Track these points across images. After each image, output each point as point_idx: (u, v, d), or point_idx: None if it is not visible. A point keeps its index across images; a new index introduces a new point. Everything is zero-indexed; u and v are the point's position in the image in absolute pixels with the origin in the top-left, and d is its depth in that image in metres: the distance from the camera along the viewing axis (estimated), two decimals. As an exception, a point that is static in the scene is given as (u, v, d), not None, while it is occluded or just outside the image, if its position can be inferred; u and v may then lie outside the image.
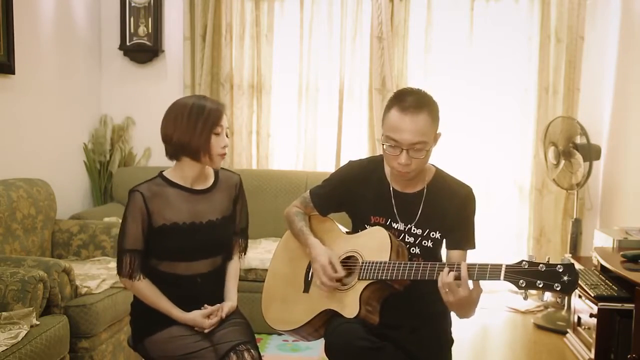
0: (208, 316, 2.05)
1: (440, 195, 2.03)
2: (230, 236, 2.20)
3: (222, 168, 2.17)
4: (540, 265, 1.68)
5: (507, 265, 1.72)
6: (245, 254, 2.27)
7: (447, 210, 2.01)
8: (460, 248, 2.02)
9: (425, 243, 2.03)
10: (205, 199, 2.10)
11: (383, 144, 1.93)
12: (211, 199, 2.11)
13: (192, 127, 1.98)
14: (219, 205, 2.13)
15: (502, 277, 1.71)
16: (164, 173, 2.10)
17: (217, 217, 2.11)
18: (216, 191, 2.13)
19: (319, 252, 2.01)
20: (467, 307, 1.82)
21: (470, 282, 1.77)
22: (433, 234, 2.02)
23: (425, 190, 2.04)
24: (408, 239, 2.03)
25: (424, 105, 1.90)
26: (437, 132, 1.96)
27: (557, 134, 3.98)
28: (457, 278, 1.76)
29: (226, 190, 2.16)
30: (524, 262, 1.70)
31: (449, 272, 1.77)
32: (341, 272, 1.96)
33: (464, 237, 2.03)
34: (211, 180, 2.14)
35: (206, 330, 2.03)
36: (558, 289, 1.64)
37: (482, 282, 1.78)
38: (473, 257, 1.95)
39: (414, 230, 2.03)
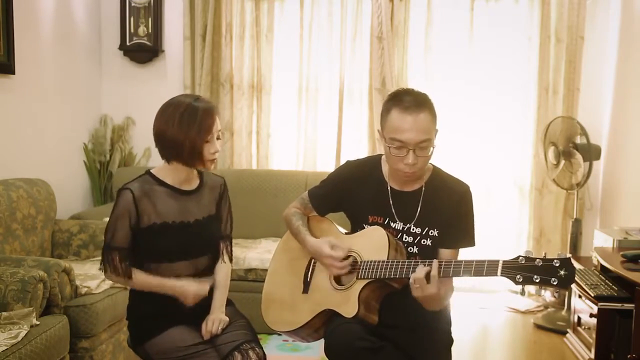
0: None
1: (438, 193, 2.04)
2: (217, 235, 2.19)
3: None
4: (537, 260, 1.68)
5: (504, 261, 1.73)
6: (232, 260, 2.25)
7: (444, 207, 2.01)
8: (456, 246, 2.03)
9: (424, 242, 2.03)
10: (192, 199, 2.12)
11: (388, 147, 1.93)
12: (198, 200, 2.13)
13: (184, 135, 1.97)
14: (204, 206, 2.15)
15: (499, 272, 1.72)
16: (152, 171, 2.10)
17: (203, 216, 2.13)
18: (202, 192, 2.15)
19: (318, 248, 2.01)
20: (436, 302, 1.87)
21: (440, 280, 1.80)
22: (432, 232, 2.02)
23: (423, 188, 2.05)
24: (406, 238, 2.03)
25: (424, 103, 1.92)
26: (436, 128, 1.97)
27: (557, 134, 3.97)
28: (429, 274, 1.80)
29: (211, 191, 2.18)
30: (520, 258, 1.71)
31: (422, 268, 1.80)
32: (342, 253, 1.97)
33: (461, 234, 2.03)
34: (197, 182, 2.16)
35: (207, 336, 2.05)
36: (555, 283, 1.65)
37: (483, 282, 1.78)
38: (472, 256, 1.95)
39: (413, 229, 2.03)
